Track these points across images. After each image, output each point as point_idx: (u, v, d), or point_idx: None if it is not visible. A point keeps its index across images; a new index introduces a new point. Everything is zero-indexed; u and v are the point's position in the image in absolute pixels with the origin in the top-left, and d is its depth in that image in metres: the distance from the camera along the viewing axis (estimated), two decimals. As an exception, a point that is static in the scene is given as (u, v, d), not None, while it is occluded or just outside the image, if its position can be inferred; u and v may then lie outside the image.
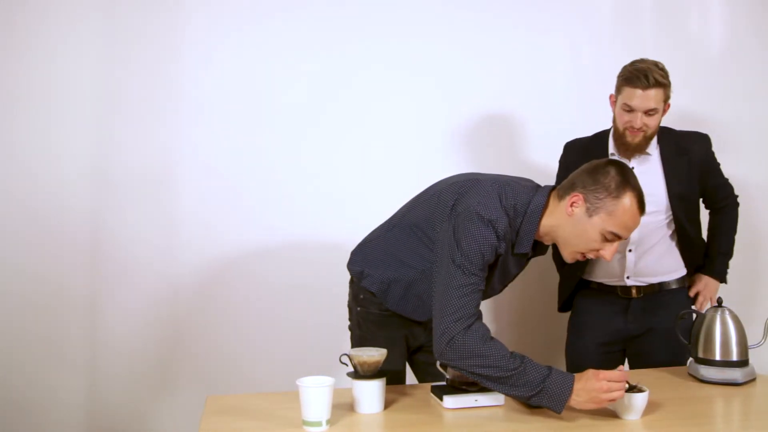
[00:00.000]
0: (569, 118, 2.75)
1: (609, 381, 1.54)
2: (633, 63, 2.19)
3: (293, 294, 2.61)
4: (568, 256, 1.71)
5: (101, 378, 2.51)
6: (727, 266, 2.34)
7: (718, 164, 2.33)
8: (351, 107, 2.66)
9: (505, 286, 1.87)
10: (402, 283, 1.81)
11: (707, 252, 2.34)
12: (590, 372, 1.58)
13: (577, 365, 2.31)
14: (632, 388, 1.58)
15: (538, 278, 2.73)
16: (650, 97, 2.12)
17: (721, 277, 2.31)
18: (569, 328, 2.41)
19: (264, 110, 2.61)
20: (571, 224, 1.66)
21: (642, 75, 2.11)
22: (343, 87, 2.65)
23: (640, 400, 1.55)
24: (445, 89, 2.73)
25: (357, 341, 1.92)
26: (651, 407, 1.63)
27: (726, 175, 2.37)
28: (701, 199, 2.36)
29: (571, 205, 1.66)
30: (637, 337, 2.28)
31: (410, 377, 2.01)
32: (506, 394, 1.62)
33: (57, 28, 2.46)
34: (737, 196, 2.38)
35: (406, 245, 1.80)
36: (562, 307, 2.43)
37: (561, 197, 1.69)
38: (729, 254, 2.35)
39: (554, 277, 2.50)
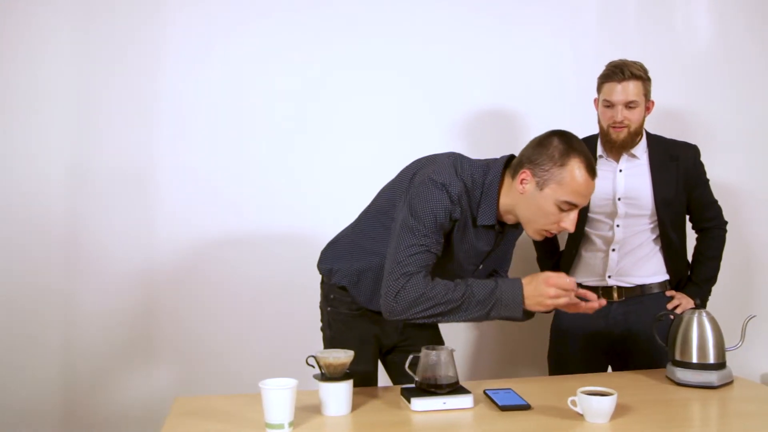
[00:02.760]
0: (556, 116, 2.71)
1: (558, 288, 1.57)
2: (610, 62, 2.21)
3: (274, 293, 2.60)
4: (534, 233, 1.71)
5: (77, 377, 2.50)
6: (709, 292, 2.31)
7: (707, 180, 2.31)
8: (335, 106, 2.64)
9: (478, 266, 1.84)
10: (371, 272, 1.80)
11: (690, 276, 2.31)
12: (541, 277, 1.61)
13: (560, 371, 2.29)
14: (600, 392, 1.57)
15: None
16: (628, 89, 2.14)
17: (702, 304, 2.25)
18: (551, 333, 2.40)
19: (245, 110, 2.59)
20: (525, 201, 1.66)
21: (618, 69, 2.15)
22: (327, 86, 2.64)
23: (605, 403, 1.53)
24: (430, 88, 2.71)
25: (328, 342, 1.92)
26: (621, 410, 1.61)
27: (712, 175, 2.35)
28: (688, 216, 2.34)
29: (521, 183, 1.66)
30: (620, 342, 2.26)
31: (386, 379, 2.00)
32: (465, 320, 1.63)
33: (37, 28, 2.45)
34: (726, 222, 2.34)
35: (372, 235, 1.81)
36: (543, 309, 2.41)
37: (513, 176, 1.69)
38: (712, 281, 2.31)
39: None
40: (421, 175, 1.69)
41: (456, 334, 2.73)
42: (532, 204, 1.65)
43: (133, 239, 2.52)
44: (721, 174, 2.76)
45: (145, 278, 2.54)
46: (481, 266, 1.83)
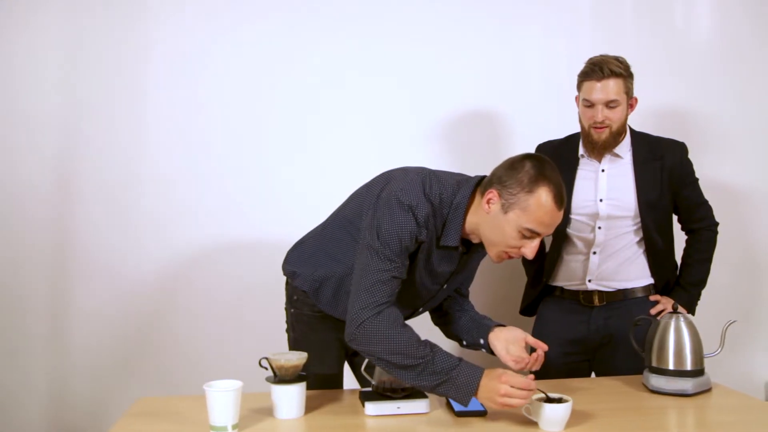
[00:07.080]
0: (547, 116, 2.66)
1: (512, 386, 1.49)
2: (589, 59, 2.13)
3: (255, 294, 2.58)
4: (494, 255, 1.65)
5: (63, 382, 2.53)
6: (698, 297, 2.21)
7: (696, 179, 2.21)
8: (330, 111, 2.62)
9: (443, 286, 1.78)
10: (333, 280, 1.77)
11: (678, 280, 2.22)
12: (498, 371, 1.54)
13: (540, 374, 2.22)
14: (556, 399, 1.52)
15: (505, 282, 2.65)
16: (608, 88, 2.05)
17: (690, 309, 2.17)
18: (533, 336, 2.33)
19: (230, 115, 2.58)
20: (489, 221, 1.60)
21: (597, 67, 2.07)
22: (320, 89, 2.61)
23: (558, 411, 1.48)
24: (416, 89, 2.66)
25: (292, 344, 1.90)
26: (581, 418, 1.57)
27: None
28: (676, 217, 2.25)
29: (488, 202, 1.60)
30: (602, 346, 2.19)
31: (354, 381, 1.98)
32: (414, 384, 1.57)
33: (21, 28, 2.48)
34: (717, 224, 2.24)
35: (338, 242, 1.77)
36: (524, 311, 2.36)
37: (482, 194, 1.63)
38: (701, 285, 2.21)
39: (521, 280, 2.43)
40: (388, 191, 1.63)
41: (439, 337, 2.67)
42: (495, 225, 1.59)
43: (118, 245, 2.54)
44: (720, 173, 2.67)
45: (130, 283, 2.55)
46: (445, 286, 1.78)
